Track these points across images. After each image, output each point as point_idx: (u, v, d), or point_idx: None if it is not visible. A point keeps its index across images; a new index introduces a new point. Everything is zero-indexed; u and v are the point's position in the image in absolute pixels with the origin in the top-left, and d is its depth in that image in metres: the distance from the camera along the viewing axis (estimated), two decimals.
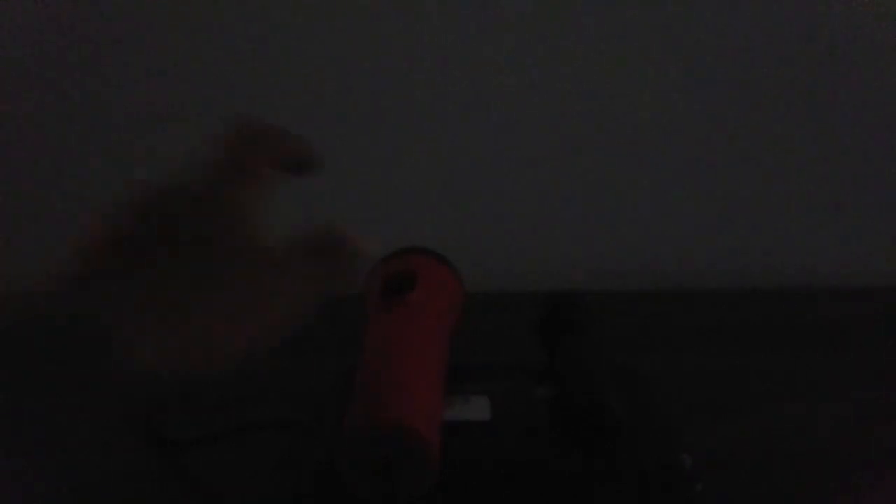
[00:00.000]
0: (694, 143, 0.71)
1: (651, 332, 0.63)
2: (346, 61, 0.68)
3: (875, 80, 0.69)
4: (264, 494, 0.43)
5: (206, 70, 0.68)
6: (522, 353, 0.52)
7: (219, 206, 0.25)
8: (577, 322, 0.47)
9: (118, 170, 0.71)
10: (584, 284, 0.72)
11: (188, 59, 0.68)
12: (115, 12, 0.67)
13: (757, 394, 0.55)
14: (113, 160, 0.71)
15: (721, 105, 0.70)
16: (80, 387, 0.51)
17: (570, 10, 0.67)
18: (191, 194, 0.25)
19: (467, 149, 0.71)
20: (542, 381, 0.45)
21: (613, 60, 0.68)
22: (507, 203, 0.72)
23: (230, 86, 0.69)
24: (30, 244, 0.73)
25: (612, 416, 0.39)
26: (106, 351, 0.24)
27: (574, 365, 0.44)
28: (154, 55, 0.68)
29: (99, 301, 0.24)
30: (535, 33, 0.68)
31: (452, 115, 0.70)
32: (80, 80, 0.68)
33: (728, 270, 0.74)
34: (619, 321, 0.57)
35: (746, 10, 0.67)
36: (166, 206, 0.25)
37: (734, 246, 0.74)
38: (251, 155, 0.26)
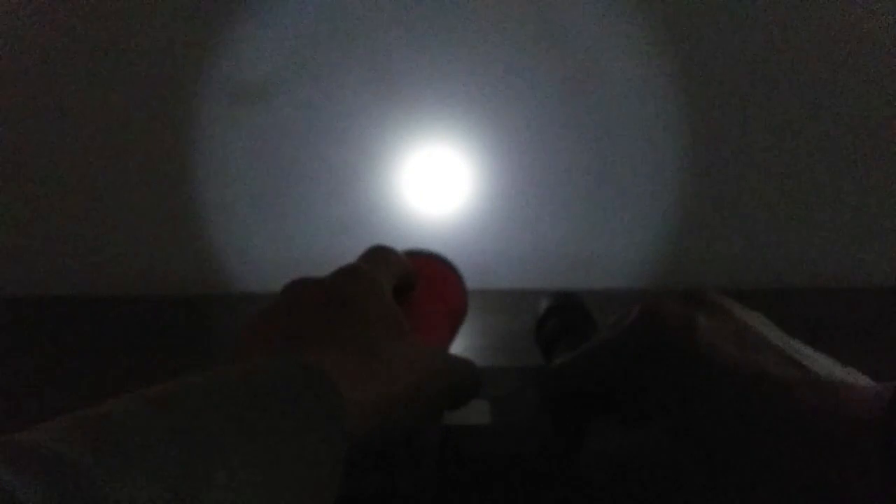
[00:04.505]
0: (694, 141, 0.71)
1: None
2: (344, 61, 0.68)
3: (875, 78, 0.69)
4: None
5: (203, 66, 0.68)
6: (523, 355, 0.52)
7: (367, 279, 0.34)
8: (574, 322, 0.46)
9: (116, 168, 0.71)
10: (582, 284, 0.72)
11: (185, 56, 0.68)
12: (112, 11, 0.67)
13: None
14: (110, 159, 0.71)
15: (720, 103, 0.70)
16: None
17: (570, 8, 0.67)
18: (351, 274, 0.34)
19: (467, 147, 0.71)
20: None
21: (612, 58, 0.68)
22: (508, 202, 0.72)
23: (226, 84, 0.69)
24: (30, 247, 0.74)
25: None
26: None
27: None
28: (151, 54, 0.68)
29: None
30: (533, 30, 0.68)
31: (451, 113, 0.70)
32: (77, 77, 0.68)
33: (728, 270, 0.74)
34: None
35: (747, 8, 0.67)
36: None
37: (734, 246, 0.74)
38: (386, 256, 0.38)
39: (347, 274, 0.34)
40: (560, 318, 0.45)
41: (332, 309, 0.31)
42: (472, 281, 0.49)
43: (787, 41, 0.68)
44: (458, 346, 0.49)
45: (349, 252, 0.39)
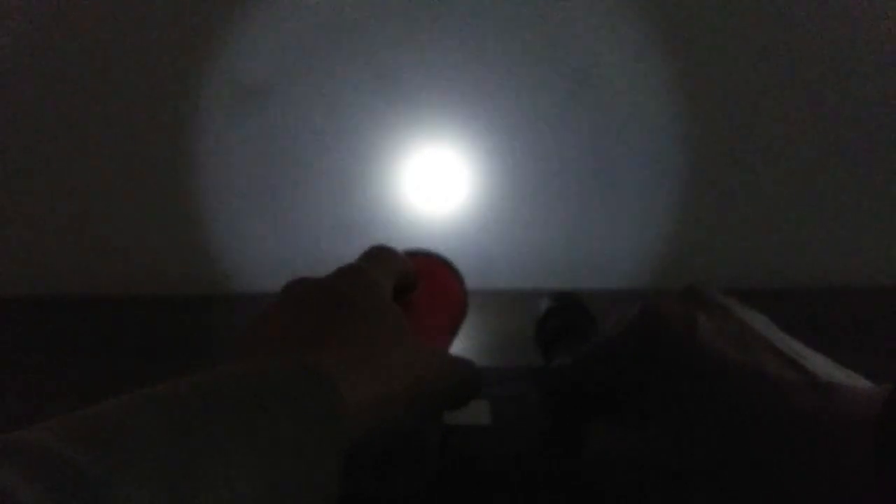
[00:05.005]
0: (694, 141, 0.71)
1: None
2: (344, 61, 0.68)
3: (875, 78, 0.69)
4: None
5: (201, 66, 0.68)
6: (523, 355, 0.52)
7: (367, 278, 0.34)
8: (574, 322, 0.46)
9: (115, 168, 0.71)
10: (582, 283, 0.72)
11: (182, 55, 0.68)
12: (112, 11, 0.67)
13: None
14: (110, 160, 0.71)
15: (721, 104, 0.70)
16: None
17: (570, 10, 0.67)
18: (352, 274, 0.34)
19: (467, 147, 0.71)
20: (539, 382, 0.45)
21: (613, 58, 0.68)
22: (508, 202, 0.72)
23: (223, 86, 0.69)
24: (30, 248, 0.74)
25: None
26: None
27: None
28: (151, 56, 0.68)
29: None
30: (533, 30, 0.68)
31: (451, 113, 0.70)
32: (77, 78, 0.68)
33: (728, 270, 0.74)
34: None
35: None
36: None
37: (734, 246, 0.74)
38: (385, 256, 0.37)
39: (348, 274, 0.34)
40: (560, 318, 0.45)
41: (332, 309, 0.31)
42: (472, 281, 0.49)
43: (787, 41, 0.68)
44: (458, 346, 0.49)
45: (349, 252, 0.39)
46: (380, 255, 0.37)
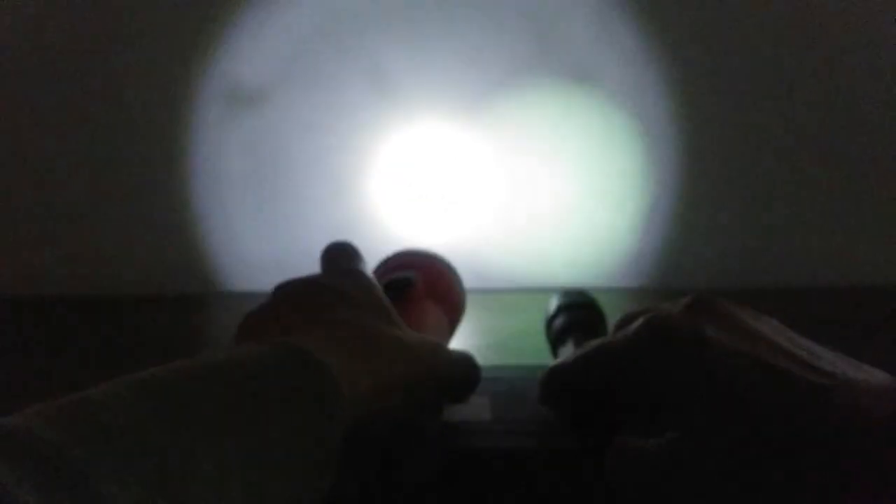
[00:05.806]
0: (694, 141, 0.71)
1: None
2: (342, 62, 0.68)
3: (875, 78, 0.69)
4: None
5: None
6: (523, 355, 0.52)
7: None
8: (583, 320, 0.46)
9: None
10: (582, 283, 0.72)
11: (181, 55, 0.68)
12: (111, 12, 0.67)
13: None
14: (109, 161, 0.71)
15: (721, 104, 0.70)
16: None
17: (572, 11, 0.67)
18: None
19: (466, 148, 0.71)
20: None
21: (612, 58, 0.68)
22: (507, 202, 0.72)
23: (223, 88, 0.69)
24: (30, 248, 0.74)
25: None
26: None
27: None
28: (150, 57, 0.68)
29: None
30: (532, 30, 0.68)
31: (450, 114, 0.70)
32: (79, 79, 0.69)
33: (727, 270, 0.74)
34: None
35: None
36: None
37: (733, 246, 0.74)
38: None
39: (336, 270, 0.34)
40: (568, 315, 0.45)
41: (324, 301, 0.31)
42: (472, 281, 0.49)
43: (785, 41, 0.68)
44: (458, 347, 0.49)
45: None
46: (351, 251, 0.36)
